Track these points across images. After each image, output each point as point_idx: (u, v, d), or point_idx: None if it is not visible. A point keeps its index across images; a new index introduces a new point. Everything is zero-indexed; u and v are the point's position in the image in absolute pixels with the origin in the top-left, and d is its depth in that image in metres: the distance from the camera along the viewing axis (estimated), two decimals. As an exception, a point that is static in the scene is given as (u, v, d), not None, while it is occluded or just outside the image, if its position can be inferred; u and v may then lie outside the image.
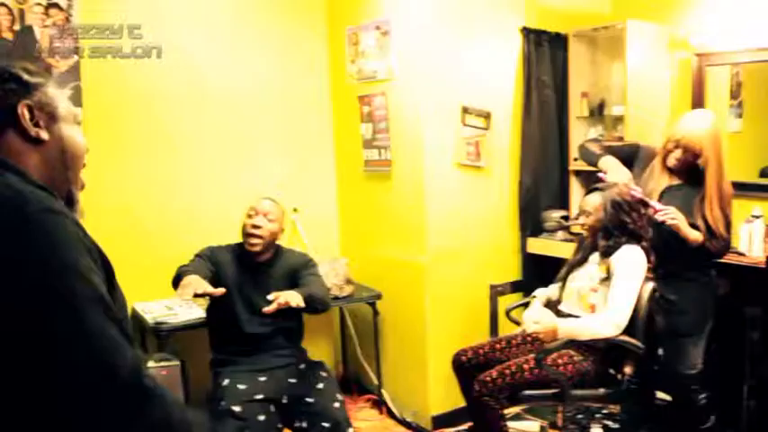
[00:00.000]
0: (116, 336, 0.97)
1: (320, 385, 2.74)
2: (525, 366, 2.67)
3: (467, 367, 2.93)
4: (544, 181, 3.82)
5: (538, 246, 3.76)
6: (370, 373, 3.93)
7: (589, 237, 2.88)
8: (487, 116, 3.59)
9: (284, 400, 2.67)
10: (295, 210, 3.86)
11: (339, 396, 2.73)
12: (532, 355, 2.69)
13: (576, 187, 3.87)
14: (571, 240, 3.62)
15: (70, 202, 1.23)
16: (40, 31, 3.18)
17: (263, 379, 2.72)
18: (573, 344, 2.71)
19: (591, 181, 3.14)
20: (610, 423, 3.52)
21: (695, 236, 2.75)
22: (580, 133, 3.88)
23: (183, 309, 3.32)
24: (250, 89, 3.76)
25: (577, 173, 3.88)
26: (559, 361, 2.68)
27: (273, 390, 2.69)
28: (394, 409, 3.78)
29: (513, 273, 3.81)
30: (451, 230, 3.54)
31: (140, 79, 3.42)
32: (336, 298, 3.59)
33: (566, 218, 3.72)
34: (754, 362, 3.17)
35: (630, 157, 3.08)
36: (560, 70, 3.85)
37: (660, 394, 3.42)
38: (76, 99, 3.26)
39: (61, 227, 0.99)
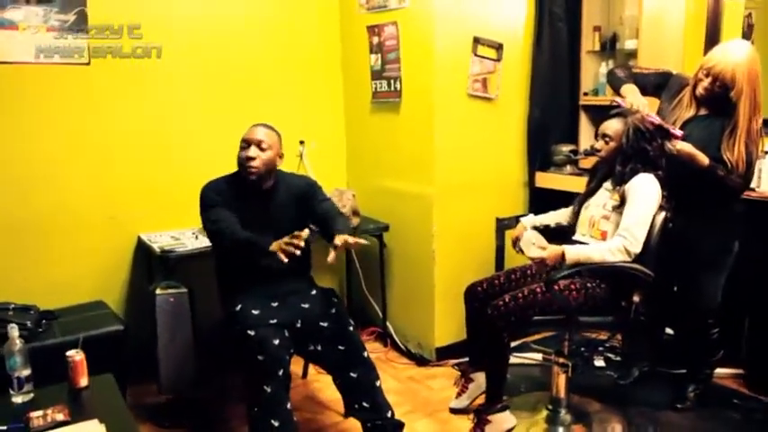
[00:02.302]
0: None
1: (333, 310, 2.77)
2: (537, 290, 2.68)
3: (481, 298, 2.94)
4: (554, 115, 3.79)
5: (546, 180, 3.75)
6: (375, 306, 3.96)
7: (605, 164, 2.85)
8: (499, 47, 3.53)
9: (298, 325, 2.69)
10: (301, 142, 3.83)
11: (351, 321, 2.77)
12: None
13: (585, 123, 3.85)
14: (579, 174, 3.62)
15: None
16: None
17: (275, 305, 2.73)
18: (583, 271, 2.71)
19: (602, 116, 3.08)
20: (612, 356, 3.58)
21: (701, 158, 2.70)
22: (591, 68, 3.83)
23: (189, 239, 3.33)
24: (257, 19, 3.69)
25: (587, 108, 3.84)
26: (570, 287, 2.69)
27: (286, 315, 2.69)
28: (398, 341, 3.82)
29: (521, 207, 3.81)
30: (460, 163, 3.53)
31: (141, 13, 3.37)
32: (343, 229, 3.60)
33: (575, 152, 3.70)
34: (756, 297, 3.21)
35: (660, 84, 3.01)
36: (573, 3, 3.78)
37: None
38: (82, 25, 3.21)
39: None
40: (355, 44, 3.84)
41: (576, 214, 2.96)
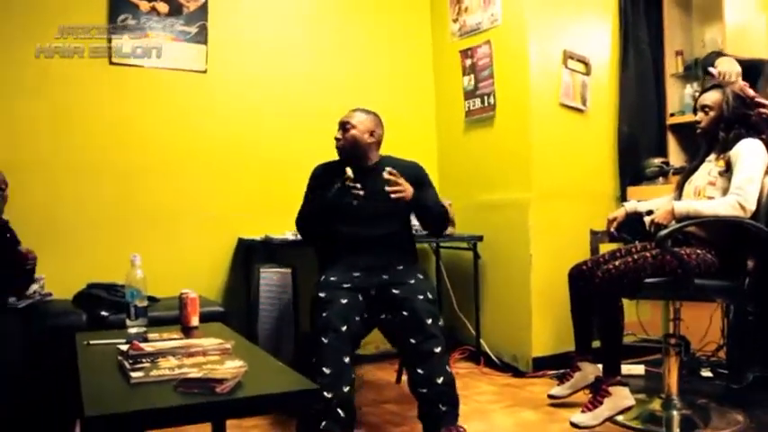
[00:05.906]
0: None
1: (412, 281, 2.73)
2: (648, 255, 2.63)
3: (586, 276, 2.87)
4: (642, 131, 3.85)
5: (638, 193, 3.71)
6: (468, 324, 3.89)
7: (705, 136, 2.86)
8: (587, 63, 3.69)
9: (372, 292, 2.69)
10: (395, 163, 3.97)
11: (429, 294, 2.67)
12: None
13: (672, 142, 3.89)
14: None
15: None
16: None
17: (356, 275, 2.74)
18: (693, 240, 2.68)
19: (689, 134, 3.04)
20: (719, 369, 3.40)
21: None
22: (676, 90, 3.94)
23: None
24: (358, 49, 4.03)
25: (674, 128, 3.90)
26: (681, 253, 2.61)
27: (363, 282, 2.71)
28: (492, 356, 3.72)
29: (612, 221, 3.77)
30: (555, 170, 3.61)
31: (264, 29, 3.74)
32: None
33: (666, 164, 3.71)
34: None
35: (756, 71, 3.03)
36: (655, 28, 3.95)
37: None
38: (202, 37, 3.52)
39: None
40: (447, 69, 4.09)
41: (680, 191, 2.94)
